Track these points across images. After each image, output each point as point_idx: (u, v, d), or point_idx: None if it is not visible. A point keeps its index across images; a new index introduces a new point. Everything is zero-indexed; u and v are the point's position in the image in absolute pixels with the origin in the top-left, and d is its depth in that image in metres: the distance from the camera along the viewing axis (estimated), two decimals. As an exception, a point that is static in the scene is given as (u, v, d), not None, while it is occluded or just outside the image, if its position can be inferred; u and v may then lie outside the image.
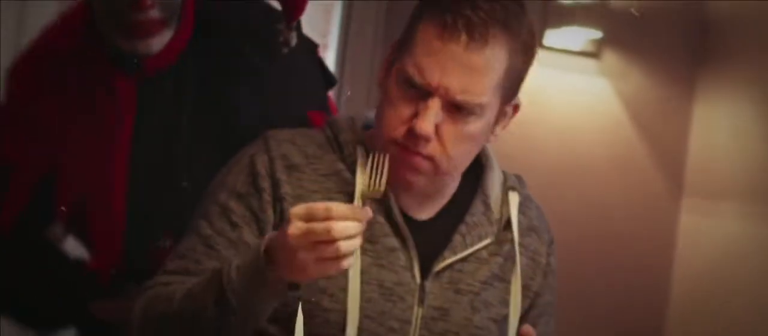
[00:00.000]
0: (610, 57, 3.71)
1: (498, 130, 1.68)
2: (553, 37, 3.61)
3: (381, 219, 1.64)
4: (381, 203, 1.64)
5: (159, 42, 2.03)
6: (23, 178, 2.05)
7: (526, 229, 1.75)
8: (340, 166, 1.66)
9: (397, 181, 1.62)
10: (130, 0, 1.99)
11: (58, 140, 2.04)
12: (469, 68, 1.56)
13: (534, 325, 1.72)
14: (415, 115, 1.57)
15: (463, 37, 1.55)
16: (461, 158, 1.64)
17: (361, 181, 1.62)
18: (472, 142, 1.63)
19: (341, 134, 1.69)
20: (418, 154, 1.58)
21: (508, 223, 1.72)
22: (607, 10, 3.63)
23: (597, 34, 3.64)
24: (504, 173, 1.78)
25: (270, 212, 1.64)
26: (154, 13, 2.01)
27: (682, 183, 3.77)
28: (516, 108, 1.69)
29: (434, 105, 1.56)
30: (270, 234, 1.48)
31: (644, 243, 3.76)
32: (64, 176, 2.01)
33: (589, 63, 3.69)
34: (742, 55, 3.59)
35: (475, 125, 1.60)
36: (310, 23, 3.54)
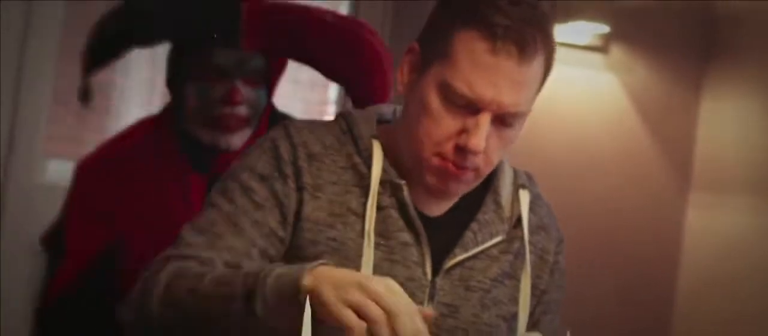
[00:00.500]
0: (617, 52, 3.71)
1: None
2: (559, 31, 3.60)
3: (395, 213, 1.64)
4: (395, 197, 1.64)
5: (240, 139, 2.14)
6: (80, 257, 2.11)
7: (535, 227, 1.74)
8: (357, 159, 1.65)
9: (438, 190, 1.62)
10: (223, 94, 2.10)
11: (124, 229, 2.12)
12: (520, 82, 1.55)
13: (537, 322, 1.74)
14: (463, 130, 1.56)
15: (515, 52, 1.53)
16: (498, 162, 1.66)
17: (376, 177, 1.62)
18: (507, 148, 1.63)
19: (355, 127, 1.68)
20: (466, 168, 1.58)
21: (519, 221, 1.72)
22: (614, 4, 3.62)
23: (604, 28, 3.64)
24: (514, 170, 1.78)
25: (293, 200, 1.62)
26: (242, 110, 2.13)
27: (689, 177, 3.76)
28: None
29: (486, 121, 1.54)
30: (319, 271, 1.38)
31: (651, 237, 3.75)
32: (129, 262, 2.06)
33: (596, 57, 3.69)
34: (748, 50, 3.58)
35: (516, 132, 1.61)
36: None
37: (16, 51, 3.07)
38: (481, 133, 1.54)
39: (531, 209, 1.74)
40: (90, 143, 3.43)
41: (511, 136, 1.61)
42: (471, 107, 1.55)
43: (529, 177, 1.80)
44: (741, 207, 3.47)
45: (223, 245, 1.57)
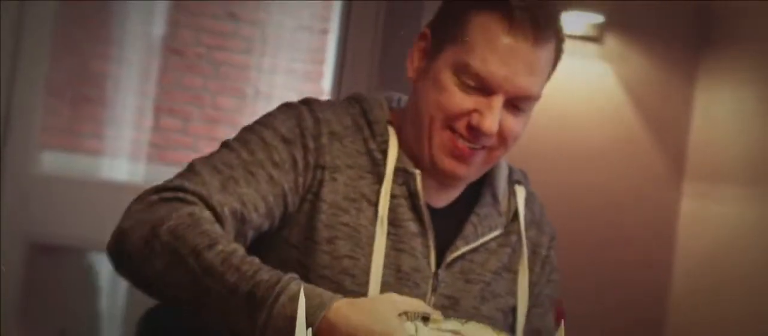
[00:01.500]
0: (611, 41, 3.71)
1: None
2: (554, 21, 3.61)
3: (405, 203, 1.63)
4: (406, 186, 1.63)
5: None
6: None
7: (529, 223, 1.75)
8: (372, 145, 1.64)
9: (447, 173, 1.62)
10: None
11: None
12: (533, 64, 1.57)
13: (528, 314, 1.74)
14: (475, 110, 1.56)
15: (531, 34, 1.55)
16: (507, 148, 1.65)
17: (392, 163, 1.61)
18: (517, 138, 1.63)
19: (370, 112, 1.67)
20: (475, 150, 1.58)
21: (516, 215, 1.72)
22: (608, -6, 3.62)
23: (598, 18, 3.63)
24: (509, 167, 1.78)
25: (309, 174, 1.60)
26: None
27: (683, 167, 3.77)
28: None
29: (499, 103, 1.56)
30: (336, 312, 1.37)
31: (645, 227, 3.76)
32: None
33: (591, 47, 3.68)
34: (743, 39, 3.58)
35: (526, 118, 1.62)
36: (310, 14, 3.56)
37: (11, 42, 3.07)
38: (494, 115, 1.55)
39: (526, 205, 1.75)
40: (85, 135, 3.44)
41: (522, 123, 1.61)
42: (484, 89, 1.56)
43: (524, 174, 1.80)
44: (735, 196, 3.47)
45: (236, 191, 1.54)
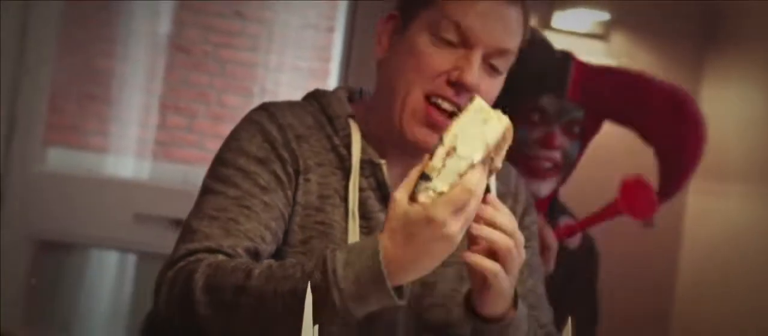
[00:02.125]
0: (617, 39, 3.70)
1: None
2: (560, 18, 3.60)
3: (373, 194, 1.63)
4: (374, 177, 1.63)
5: (547, 187, 2.23)
6: None
7: (503, 196, 1.72)
8: (336, 140, 1.64)
9: (416, 139, 1.59)
10: (541, 137, 2.18)
11: None
12: (509, 21, 1.59)
13: None
14: (454, 68, 1.56)
15: None
16: None
17: (356, 157, 1.61)
18: (494, 96, 1.62)
19: (329, 108, 1.66)
20: (449, 117, 1.55)
21: (487, 190, 1.70)
22: (614, -9, 3.62)
23: (604, 15, 3.63)
24: None
25: (293, 184, 1.60)
26: (556, 156, 2.21)
27: (690, 165, 3.76)
28: None
29: (478, 57, 1.56)
30: (380, 236, 1.39)
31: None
32: None
33: (597, 45, 3.68)
34: (750, 37, 3.58)
35: (500, 82, 1.62)
36: (316, 12, 3.55)
37: (16, 40, 3.07)
38: (475, 68, 1.56)
39: (498, 179, 1.73)
40: (91, 132, 3.44)
41: (498, 85, 1.61)
42: (463, 42, 1.57)
43: None
44: (741, 193, 3.47)
45: (239, 230, 1.54)
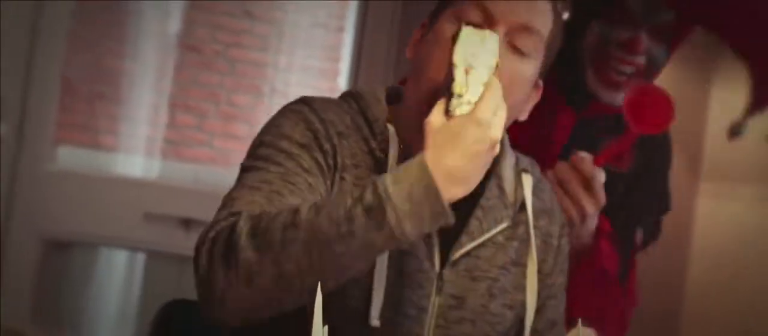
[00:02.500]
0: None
1: (527, 108, 1.64)
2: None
3: None
4: None
5: (622, 98, 2.02)
6: None
7: (539, 212, 1.71)
8: (373, 144, 1.60)
9: None
10: (625, 40, 2.01)
11: None
12: (533, 3, 1.57)
13: (542, 307, 1.70)
14: None
15: None
16: (511, 113, 1.54)
17: (393, 160, 1.57)
18: (522, 92, 1.59)
19: (368, 110, 1.63)
20: None
21: (523, 206, 1.68)
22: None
23: (614, 16, 3.62)
24: (516, 155, 1.73)
25: (330, 178, 1.56)
26: (641, 60, 2.04)
27: (699, 166, 3.75)
28: (539, 89, 1.65)
29: (501, 33, 1.53)
30: (421, 154, 1.39)
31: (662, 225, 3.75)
32: None
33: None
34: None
35: (528, 68, 1.58)
36: (326, 12, 3.55)
37: (27, 39, 3.08)
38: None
39: (534, 193, 1.70)
40: (101, 131, 3.44)
41: (524, 69, 1.58)
42: (485, 22, 1.53)
43: (532, 162, 1.76)
44: (752, 196, 3.46)
45: (283, 203, 1.46)
